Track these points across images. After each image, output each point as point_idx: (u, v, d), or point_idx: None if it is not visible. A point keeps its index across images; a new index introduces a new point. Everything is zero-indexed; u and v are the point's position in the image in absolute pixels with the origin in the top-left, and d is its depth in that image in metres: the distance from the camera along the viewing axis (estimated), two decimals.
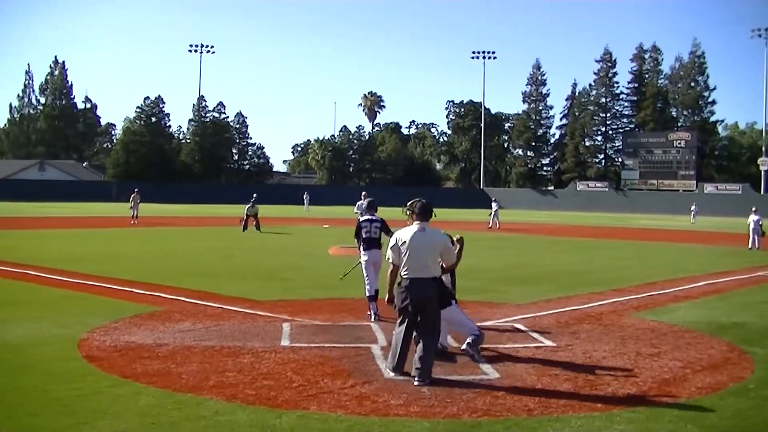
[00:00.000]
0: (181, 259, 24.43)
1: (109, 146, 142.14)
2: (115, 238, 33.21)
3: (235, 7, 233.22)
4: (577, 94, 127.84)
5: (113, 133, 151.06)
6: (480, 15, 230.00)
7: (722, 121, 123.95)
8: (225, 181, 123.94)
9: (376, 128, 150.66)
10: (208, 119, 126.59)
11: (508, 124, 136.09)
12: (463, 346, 10.22)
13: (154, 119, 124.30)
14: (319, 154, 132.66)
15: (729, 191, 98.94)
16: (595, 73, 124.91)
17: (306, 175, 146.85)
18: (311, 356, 10.25)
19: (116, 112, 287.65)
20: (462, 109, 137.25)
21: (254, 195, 40.33)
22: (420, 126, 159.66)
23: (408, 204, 9.73)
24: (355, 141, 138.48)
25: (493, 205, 50.95)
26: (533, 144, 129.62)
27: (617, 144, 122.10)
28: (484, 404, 8.15)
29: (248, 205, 39.92)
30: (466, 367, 9.89)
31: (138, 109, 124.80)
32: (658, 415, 7.95)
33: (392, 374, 9.17)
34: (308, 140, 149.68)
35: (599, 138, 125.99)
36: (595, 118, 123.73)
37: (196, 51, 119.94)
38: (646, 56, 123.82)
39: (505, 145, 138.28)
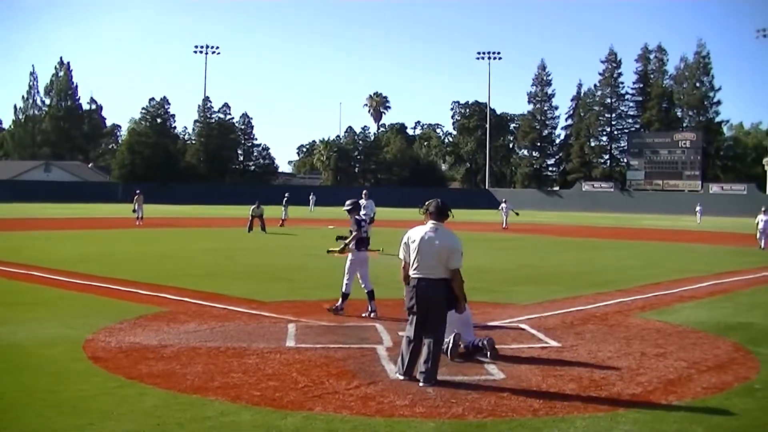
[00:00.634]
0: (186, 260, 24.44)
1: (115, 147, 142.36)
2: (120, 239, 33.24)
3: (240, 7, 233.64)
4: (582, 94, 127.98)
5: (118, 134, 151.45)
6: (485, 15, 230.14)
7: (727, 121, 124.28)
8: (230, 182, 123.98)
9: (382, 129, 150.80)
10: (213, 120, 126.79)
11: (514, 125, 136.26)
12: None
13: (159, 120, 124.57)
14: (325, 154, 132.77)
15: (734, 191, 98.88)
16: (600, 74, 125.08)
17: (311, 176, 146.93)
18: (316, 357, 10.25)
19: (121, 113, 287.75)
20: (467, 110, 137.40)
21: (257, 201, 40.34)
22: (425, 127, 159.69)
23: (425, 203, 9.67)
24: (361, 142, 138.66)
25: (503, 205, 50.82)
26: (538, 144, 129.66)
27: (622, 144, 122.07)
28: (489, 405, 8.14)
29: (253, 206, 39.96)
30: (472, 367, 9.89)
31: (143, 110, 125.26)
32: (663, 415, 7.94)
33: (400, 377, 9.15)
34: (313, 141, 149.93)
35: (604, 138, 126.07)
36: (600, 118, 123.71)
37: (201, 52, 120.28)
38: (651, 56, 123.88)
39: (511, 146, 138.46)
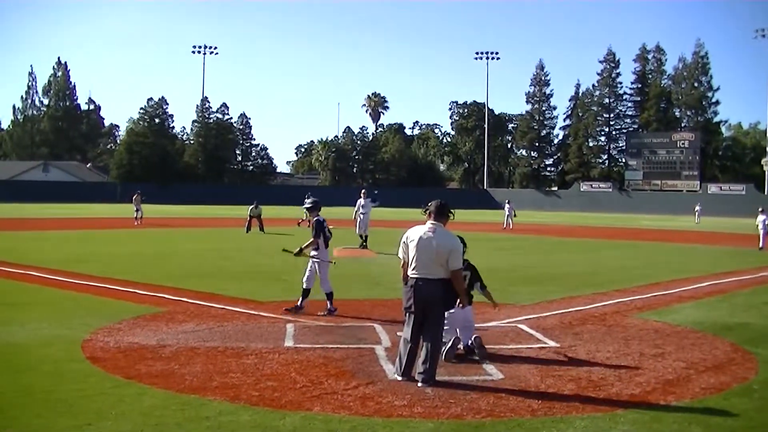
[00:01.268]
0: (184, 260, 24.44)
1: (113, 147, 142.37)
2: (118, 239, 33.23)
3: (239, 8, 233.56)
4: (580, 94, 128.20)
5: (117, 134, 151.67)
6: (483, 16, 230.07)
7: (726, 121, 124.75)
8: (228, 183, 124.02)
9: (380, 129, 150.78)
10: (211, 120, 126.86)
11: (512, 125, 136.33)
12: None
13: (157, 120, 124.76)
14: (323, 155, 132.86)
15: (733, 192, 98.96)
16: (598, 74, 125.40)
17: (309, 176, 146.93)
18: (315, 357, 10.25)
19: (120, 113, 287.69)
20: (465, 110, 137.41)
21: (255, 201, 40.37)
22: (423, 127, 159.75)
23: (427, 204, 9.65)
24: (359, 142, 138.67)
25: (506, 206, 50.81)
26: (537, 144, 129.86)
27: (621, 144, 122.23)
28: (488, 405, 8.15)
29: (252, 207, 39.99)
30: (470, 368, 9.89)
31: (141, 111, 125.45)
32: (661, 415, 7.94)
33: (398, 378, 9.15)
34: (312, 141, 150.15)
35: (603, 138, 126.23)
36: (598, 118, 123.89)
37: (199, 52, 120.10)
38: (650, 57, 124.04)
39: (509, 146, 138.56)
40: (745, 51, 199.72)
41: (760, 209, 35.52)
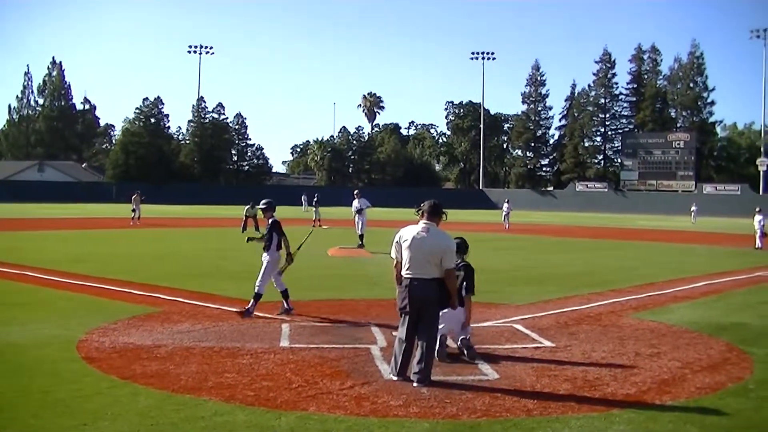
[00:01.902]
0: (180, 260, 24.42)
1: (108, 147, 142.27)
2: (113, 239, 33.22)
3: (234, 7, 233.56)
4: (576, 94, 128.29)
5: (112, 134, 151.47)
6: (479, 16, 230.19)
7: (721, 121, 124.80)
8: (224, 183, 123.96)
9: (376, 129, 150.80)
10: (207, 120, 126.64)
11: (508, 125, 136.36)
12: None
13: (153, 120, 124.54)
14: (319, 155, 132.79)
15: (728, 192, 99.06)
16: (594, 74, 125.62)
17: (305, 176, 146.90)
18: (310, 357, 10.25)
19: (115, 113, 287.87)
20: (461, 110, 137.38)
21: (251, 202, 40.39)
22: (419, 127, 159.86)
23: (421, 204, 9.65)
24: (355, 142, 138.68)
25: (505, 206, 50.85)
26: (532, 145, 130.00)
27: (616, 144, 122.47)
28: (483, 405, 8.15)
29: (247, 207, 40.01)
30: (465, 367, 9.90)
31: (137, 110, 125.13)
32: (657, 415, 7.95)
33: (394, 378, 9.15)
34: (307, 141, 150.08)
35: (598, 139, 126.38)
36: (594, 118, 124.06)
37: (195, 52, 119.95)
38: (645, 57, 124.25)
39: (505, 146, 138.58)
40: (740, 52, 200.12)
41: (757, 209, 35.55)
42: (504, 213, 50.13)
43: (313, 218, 47.46)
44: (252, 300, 13.61)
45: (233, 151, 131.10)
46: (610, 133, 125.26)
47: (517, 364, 10.11)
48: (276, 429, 7.24)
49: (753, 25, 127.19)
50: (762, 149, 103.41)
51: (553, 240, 39.17)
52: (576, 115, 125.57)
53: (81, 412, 7.65)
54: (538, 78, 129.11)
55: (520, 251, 30.81)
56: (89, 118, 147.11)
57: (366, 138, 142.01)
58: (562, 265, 24.62)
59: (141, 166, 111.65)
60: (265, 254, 14.03)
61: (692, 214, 69.52)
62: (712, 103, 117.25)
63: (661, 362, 10.41)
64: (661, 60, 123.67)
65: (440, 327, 10.02)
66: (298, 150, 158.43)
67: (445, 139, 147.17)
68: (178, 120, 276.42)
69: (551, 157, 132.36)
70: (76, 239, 32.46)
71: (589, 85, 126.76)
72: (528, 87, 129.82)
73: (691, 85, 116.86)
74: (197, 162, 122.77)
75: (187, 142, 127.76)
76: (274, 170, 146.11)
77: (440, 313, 9.67)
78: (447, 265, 9.23)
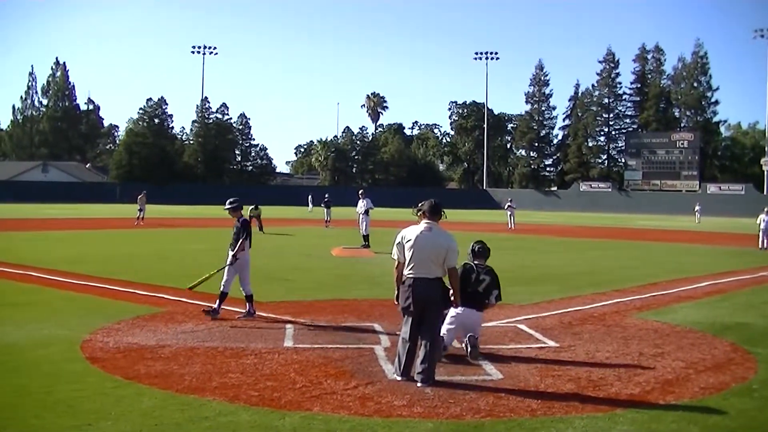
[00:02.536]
0: (184, 260, 24.42)
1: (112, 147, 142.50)
2: (117, 240, 33.24)
3: (238, 8, 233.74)
4: (579, 94, 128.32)
5: (116, 134, 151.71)
6: (483, 16, 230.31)
7: (725, 121, 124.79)
8: (228, 183, 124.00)
9: (379, 129, 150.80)
10: (211, 120, 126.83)
11: (511, 125, 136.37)
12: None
13: (156, 120, 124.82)
14: (322, 155, 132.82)
15: (732, 191, 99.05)
16: (597, 74, 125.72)
17: (309, 176, 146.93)
18: (314, 357, 10.25)
19: (119, 113, 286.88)
20: (465, 110, 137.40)
21: (255, 203, 40.53)
22: (423, 127, 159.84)
23: (419, 204, 9.67)
24: (358, 142, 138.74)
25: (507, 206, 50.80)
26: (536, 144, 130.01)
27: (620, 144, 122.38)
28: (487, 405, 8.15)
29: (251, 207, 40.02)
30: (469, 367, 9.89)
31: (141, 111, 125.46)
32: (661, 415, 7.94)
33: (398, 378, 9.15)
34: (311, 141, 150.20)
35: (602, 138, 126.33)
36: (597, 118, 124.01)
37: (198, 52, 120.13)
38: (649, 56, 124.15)
39: (508, 146, 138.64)
40: (744, 51, 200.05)
41: (765, 209, 35.26)
42: (508, 213, 50.02)
43: (325, 219, 47.50)
44: (248, 303, 13.52)
45: (237, 152, 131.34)
46: (613, 132, 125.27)
47: (520, 364, 10.11)
48: (280, 429, 7.24)
49: (757, 24, 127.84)
50: (766, 149, 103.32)
51: (556, 240, 39.14)
52: (580, 114, 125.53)
53: (84, 412, 7.66)
54: (542, 78, 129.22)
55: (523, 251, 30.78)
56: (93, 119, 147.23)
57: (370, 138, 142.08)
58: (566, 265, 24.60)
59: (144, 167, 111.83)
60: (248, 252, 13.83)
61: (696, 213, 69.45)
62: (716, 102, 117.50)
63: (664, 362, 10.40)
64: (665, 60, 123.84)
65: (452, 327, 10.10)
66: (302, 150, 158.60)
67: (448, 139, 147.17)
68: (182, 120, 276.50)
69: (555, 157, 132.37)
70: (80, 239, 32.48)
71: (592, 85, 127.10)
72: (531, 87, 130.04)
73: (695, 84, 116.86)
74: (201, 162, 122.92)
75: (191, 142, 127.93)
76: (277, 170, 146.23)
77: (463, 315, 9.75)
78: (450, 263, 9.27)
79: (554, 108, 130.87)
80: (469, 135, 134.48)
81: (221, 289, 13.51)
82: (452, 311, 10.28)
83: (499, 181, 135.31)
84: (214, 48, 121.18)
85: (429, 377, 8.95)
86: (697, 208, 70.60)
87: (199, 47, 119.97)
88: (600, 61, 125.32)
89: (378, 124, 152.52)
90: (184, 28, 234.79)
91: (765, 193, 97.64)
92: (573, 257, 28.23)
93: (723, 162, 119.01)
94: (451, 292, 9.57)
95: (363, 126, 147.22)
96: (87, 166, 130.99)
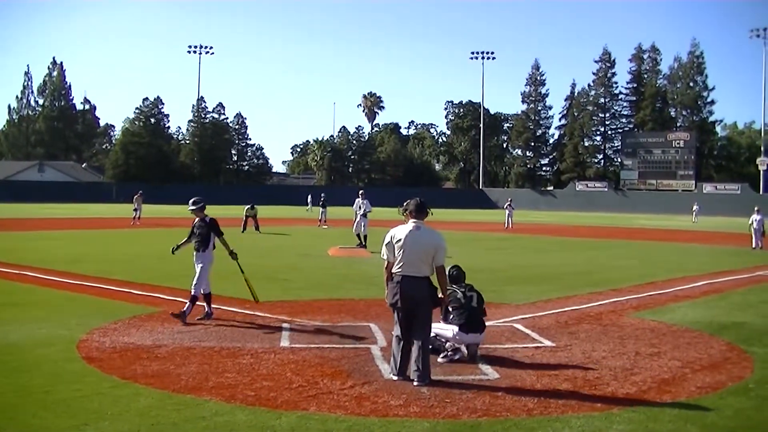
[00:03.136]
0: (180, 260, 24.26)
1: (108, 147, 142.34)
2: (114, 239, 33.21)
3: (234, 7, 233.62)
4: (576, 94, 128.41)
5: (112, 134, 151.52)
6: (479, 15, 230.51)
7: (721, 121, 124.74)
8: (224, 182, 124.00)
9: (376, 129, 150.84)
10: (207, 120, 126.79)
11: (507, 125, 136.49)
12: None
13: (153, 120, 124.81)
14: (319, 154, 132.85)
15: (728, 191, 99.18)
16: (594, 74, 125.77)
17: (305, 176, 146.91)
18: (311, 357, 10.25)
19: (115, 113, 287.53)
20: (461, 110, 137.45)
21: (251, 203, 40.56)
22: (419, 126, 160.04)
23: (404, 204, 9.71)
24: (355, 142, 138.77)
25: (507, 206, 50.88)
26: (532, 144, 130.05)
27: (616, 144, 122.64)
28: (484, 404, 8.15)
29: (247, 207, 40.03)
30: (466, 367, 9.90)
31: (137, 110, 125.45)
32: (657, 414, 7.95)
33: (394, 377, 9.15)
34: (307, 141, 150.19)
35: (598, 138, 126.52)
36: (594, 118, 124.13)
37: (195, 52, 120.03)
38: (645, 56, 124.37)
39: (504, 146, 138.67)
40: (740, 51, 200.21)
41: (756, 208, 35.50)
42: (507, 213, 50.13)
43: (319, 218, 47.54)
44: (189, 303, 13.08)
45: (233, 151, 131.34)
46: (609, 132, 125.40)
47: (517, 364, 10.12)
48: (276, 429, 7.24)
49: (753, 24, 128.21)
50: (762, 148, 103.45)
51: (552, 239, 39.15)
52: (576, 114, 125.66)
53: (81, 412, 7.65)
54: (538, 77, 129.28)
55: (519, 250, 30.79)
56: (89, 119, 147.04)
57: (366, 138, 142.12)
58: (562, 265, 24.62)
59: (141, 166, 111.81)
60: (199, 254, 13.56)
61: (694, 213, 69.52)
62: (712, 102, 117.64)
63: (661, 362, 10.41)
64: (661, 59, 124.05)
65: (471, 344, 10.15)
66: (298, 150, 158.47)
67: (444, 139, 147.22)
68: (178, 120, 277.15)
69: (551, 156, 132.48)
70: (76, 239, 32.44)
71: (588, 85, 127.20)
72: (528, 86, 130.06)
73: (691, 84, 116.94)
74: (197, 162, 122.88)
75: (187, 142, 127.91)
76: (274, 170, 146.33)
77: (468, 338, 10.05)
78: (438, 261, 9.35)
79: (550, 107, 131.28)
80: (466, 135, 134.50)
81: (201, 291, 13.24)
82: (452, 332, 10.25)
83: (495, 181, 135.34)
84: (211, 48, 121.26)
85: (425, 376, 8.97)
86: (695, 207, 70.67)
87: (196, 47, 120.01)
88: (596, 61, 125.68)
89: (374, 123, 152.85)
90: (180, 27, 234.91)
91: (761, 192, 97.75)
92: (569, 257, 28.25)
93: (719, 162, 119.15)
94: (439, 290, 9.60)
95: (359, 126, 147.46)
96: (83, 165, 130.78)
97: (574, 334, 12.36)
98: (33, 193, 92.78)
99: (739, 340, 12.09)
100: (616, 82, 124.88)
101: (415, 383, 8.90)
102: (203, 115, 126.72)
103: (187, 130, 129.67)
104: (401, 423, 7.47)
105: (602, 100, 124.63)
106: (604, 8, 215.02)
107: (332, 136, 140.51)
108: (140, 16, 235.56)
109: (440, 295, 9.55)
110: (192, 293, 13.17)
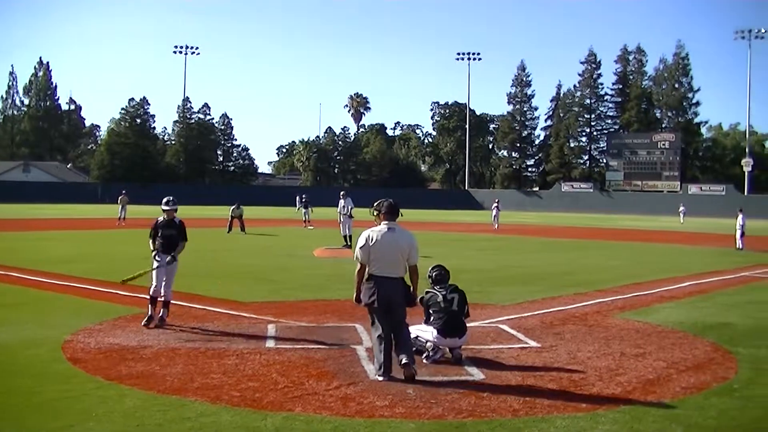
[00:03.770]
0: None
1: (94, 148, 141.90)
2: (99, 240, 33.08)
3: (220, 8, 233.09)
4: (561, 95, 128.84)
5: (98, 134, 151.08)
6: (465, 16, 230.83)
7: (706, 122, 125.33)
8: (210, 183, 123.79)
9: (362, 129, 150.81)
10: (193, 121, 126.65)
11: (493, 126, 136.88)
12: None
13: (138, 121, 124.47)
14: (304, 155, 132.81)
15: (713, 192, 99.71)
16: (579, 75, 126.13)
17: (291, 176, 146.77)
18: (296, 358, 10.24)
19: (101, 113, 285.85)
20: (447, 111, 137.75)
21: (237, 202, 40.52)
22: (405, 127, 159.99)
23: (375, 205, 9.75)
24: (340, 142, 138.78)
25: (494, 207, 51.03)
26: (518, 145, 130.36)
27: (602, 145, 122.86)
28: (469, 405, 8.16)
29: (233, 207, 39.96)
30: (451, 368, 9.90)
31: (122, 111, 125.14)
32: (642, 415, 7.97)
33: (379, 378, 9.15)
34: (293, 142, 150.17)
35: (584, 139, 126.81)
36: (579, 119, 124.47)
37: (181, 52, 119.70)
38: (631, 58, 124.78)
39: (490, 147, 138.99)
40: (725, 52, 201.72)
41: (739, 209, 35.65)
42: (493, 213, 50.24)
43: (303, 219, 47.49)
44: (163, 309, 12.85)
45: (219, 152, 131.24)
46: (595, 133, 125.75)
47: (502, 365, 10.12)
48: (262, 430, 7.23)
49: (738, 25, 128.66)
50: (747, 150, 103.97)
51: (538, 240, 39.22)
52: (561, 115, 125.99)
53: (67, 413, 7.63)
54: (524, 78, 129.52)
55: (505, 251, 30.84)
56: (75, 119, 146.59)
57: (352, 138, 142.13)
58: (548, 265, 24.66)
59: (126, 167, 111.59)
60: (164, 257, 13.41)
61: (681, 214, 69.82)
62: (697, 103, 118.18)
63: (646, 362, 10.43)
64: (647, 61, 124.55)
65: (457, 347, 10.24)
66: (284, 150, 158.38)
67: (430, 140, 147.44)
68: (164, 120, 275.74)
69: (537, 157, 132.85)
70: (61, 240, 32.29)
71: (574, 86, 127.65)
72: (514, 87, 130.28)
73: (677, 85, 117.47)
74: (183, 162, 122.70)
75: (173, 142, 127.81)
76: (259, 171, 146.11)
77: (448, 342, 10.15)
78: (412, 261, 9.54)
79: (536, 109, 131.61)
80: (451, 135, 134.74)
81: (152, 294, 12.90)
82: (431, 334, 10.25)
83: (481, 182, 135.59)
84: (196, 48, 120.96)
85: (413, 359, 9.20)
86: (681, 209, 71.00)
87: (181, 47, 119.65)
88: (582, 62, 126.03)
89: (360, 124, 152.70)
90: (166, 28, 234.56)
91: (746, 193, 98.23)
92: (555, 257, 28.30)
93: (704, 163, 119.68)
94: (412, 288, 9.72)
95: (345, 126, 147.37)
96: (68, 166, 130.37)
97: (560, 335, 12.37)
98: (18, 193, 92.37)
99: (724, 340, 12.13)
100: (601, 84, 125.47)
101: (403, 361, 9.08)
102: (189, 116, 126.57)
103: (173, 130, 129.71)
104: (387, 423, 7.47)
105: (588, 101, 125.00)
106: (589, 10, 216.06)
107: (318, 136, 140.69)
108: (126, 17, 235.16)
109: (414, 293, 9.63)
110: (165, 299, 12.94)
